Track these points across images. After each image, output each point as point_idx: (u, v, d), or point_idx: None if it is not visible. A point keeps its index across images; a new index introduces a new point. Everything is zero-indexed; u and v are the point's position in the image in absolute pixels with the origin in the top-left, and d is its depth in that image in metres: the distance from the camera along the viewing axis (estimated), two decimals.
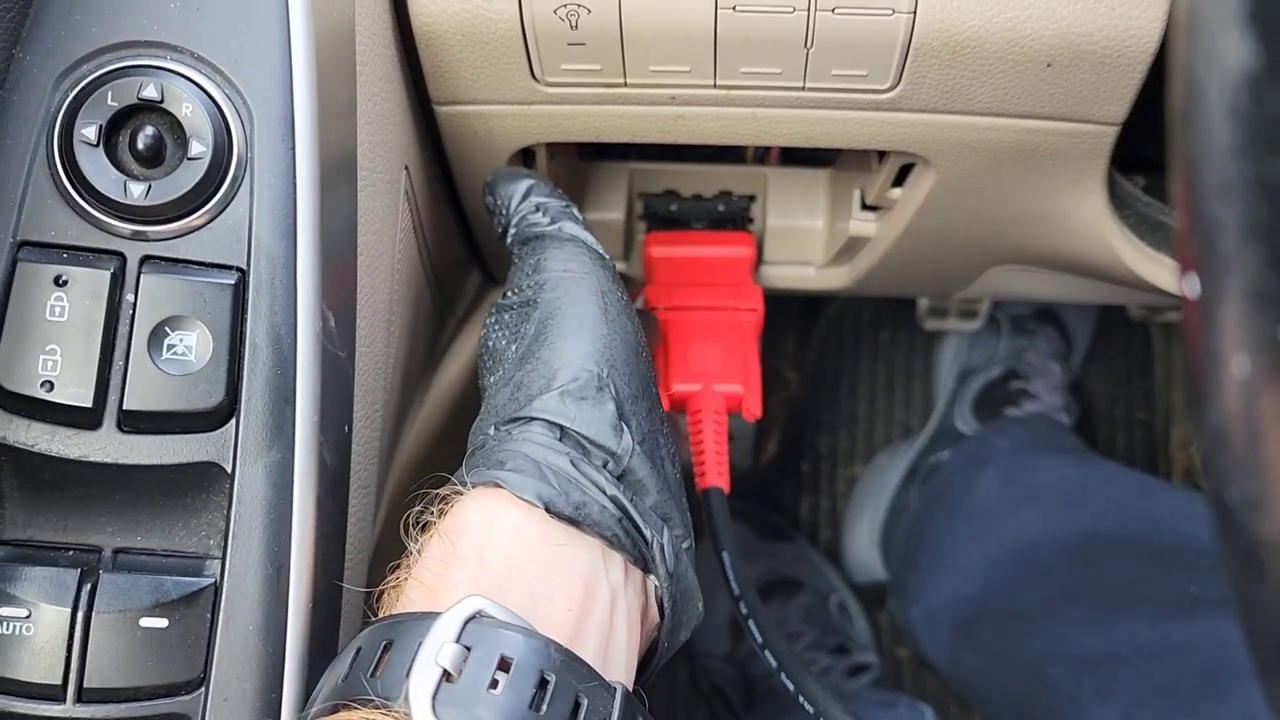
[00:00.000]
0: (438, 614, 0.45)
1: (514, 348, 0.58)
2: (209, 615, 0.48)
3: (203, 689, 0.47)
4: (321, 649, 0.51)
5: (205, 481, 0.49)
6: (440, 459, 0.91)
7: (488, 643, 0.44)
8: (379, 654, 0.45)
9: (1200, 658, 0.90)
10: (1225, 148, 0.20)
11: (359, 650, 0.46)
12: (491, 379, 0.58)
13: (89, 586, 0.47)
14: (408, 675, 0.44)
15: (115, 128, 0.48)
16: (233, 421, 0.49)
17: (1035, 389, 1.21)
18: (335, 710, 0.45)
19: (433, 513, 0.51)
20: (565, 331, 0.56)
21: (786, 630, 1.15)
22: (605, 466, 0.53)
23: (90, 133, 0.48)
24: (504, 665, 0.44)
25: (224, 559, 0.48)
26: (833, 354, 1.33)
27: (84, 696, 0.46)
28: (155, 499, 0.49)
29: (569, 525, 0.51)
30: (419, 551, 0.50)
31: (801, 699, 0.63)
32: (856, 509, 1.26)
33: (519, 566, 0.49)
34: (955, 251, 0.80)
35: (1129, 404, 1.31)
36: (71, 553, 0.49)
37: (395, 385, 0.67)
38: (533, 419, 0.53)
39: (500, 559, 0.49)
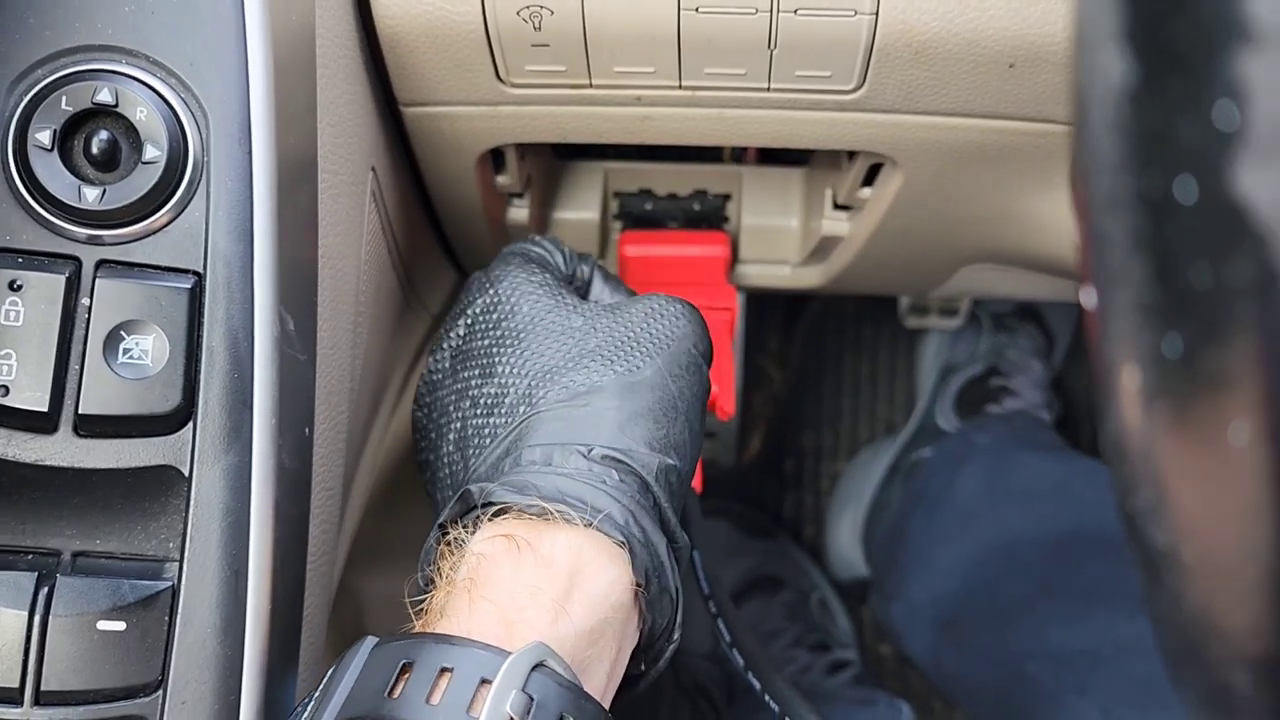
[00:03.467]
0: (506, 653, 0.45)
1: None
2: (167, 618, 0.48)
3: (161, 691, 0.48)
4: (281, 652, 0.51)
5: (163, 485, 0.49)
6: None
7: (550, 701, 0.45)
8: (435, 676, 0.45)
9: None
10: (1109, 161, 0.20)
11: (406, 665, 0.45)
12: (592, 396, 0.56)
13: (46, 590, 0.47)
14: (469, 710, 0.44)
15: (70, 132, 0.48)
16: (190, 425, 0.49)
17: (1016, 386, 1.21)
18: None
19: (513, 518, 0.50)
20: (676, 410, 0.56)
21: (767, 628, 1.15)
22: (673, 545, 0.54)
23: (44, 137, 0.48)
24: None
25: (182, 562, 0.48)
26: (816, 351, 1.33)
27: (41, 699, 0.46)
28: (113, 502, 0.49)
29: (641, 591, 0.52)
30: (480, 554, 0.49)
31: (767, 697, 0.63)
32: (839, 506, 1.26)
33: (596, 628, 0.49)
34: (926, 250, 0.80)
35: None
36: (30, 556, 0.49)
37: (365, 386, 0.67)
38: (632, 469, 0.53)
39: (584, 612, 0.49)
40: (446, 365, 0.61)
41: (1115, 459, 0.22)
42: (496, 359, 0.57)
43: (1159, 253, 0.19)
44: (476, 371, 0.59)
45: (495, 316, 0.59)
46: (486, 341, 0.59)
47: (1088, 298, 0.21)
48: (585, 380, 0.55)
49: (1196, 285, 0.18)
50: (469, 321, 0.60)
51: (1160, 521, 0.21)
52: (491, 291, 0.60)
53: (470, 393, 0.58)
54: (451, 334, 0.61)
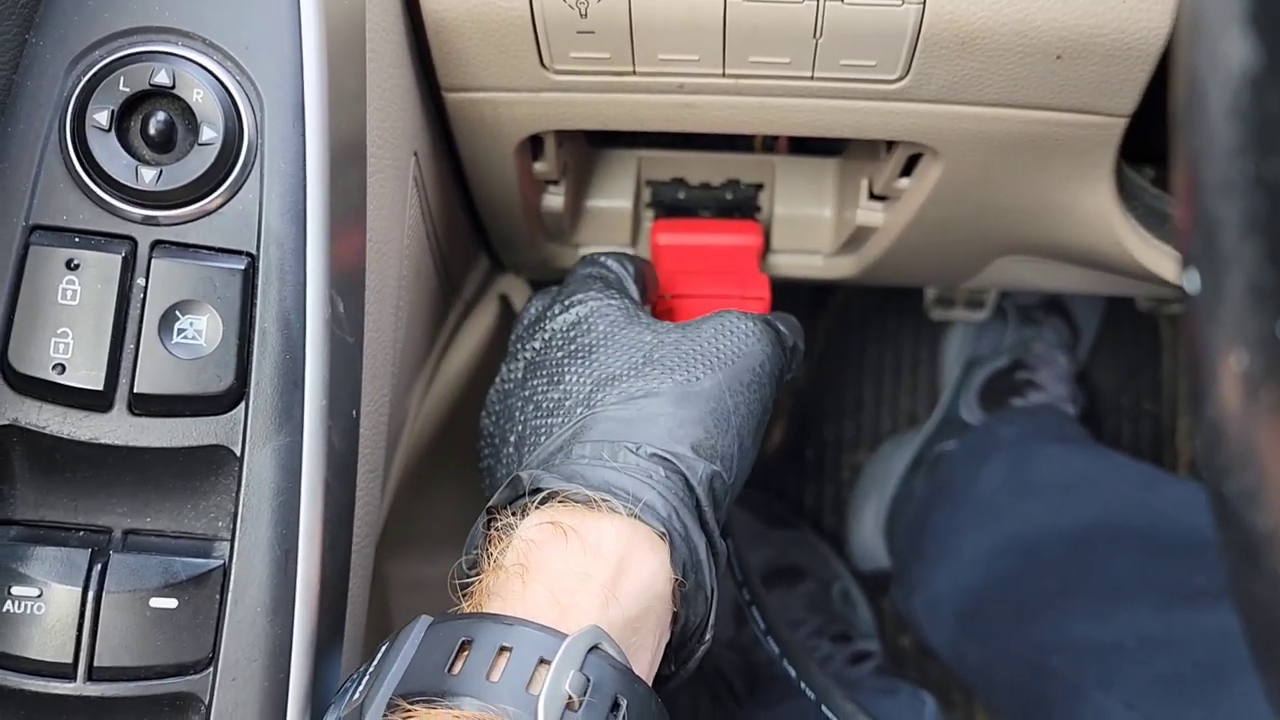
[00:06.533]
0: (562, 635, 0.46)
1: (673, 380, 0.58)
2: (218, 596, 0.48)
3: (211, 668, 0.48)
4: (329, 630, 0.52)
5: (215, 464, 0.49)
6: (447, 448, 0.92)
7: (606, 682, 0.45)
8: (494, 655, 0.46)
9: (1203, 648, 0.91)
10: (1226, 147, 0.20)
11: (465, 643, 0.46)
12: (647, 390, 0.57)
13: (99, 566, 0.47)
14: (529, 688, 0.44)
15: (127, 113, 0.48)
16: (242, 405, 0.49)
17: (1041, 379, 1.21)
18: (439, 706, 0.45)
19: (559, 505, 0.51)
20: (729, 424, 0.57)
21: (789, 618, 1.15)
22: (711, 549, 0.55)
23: (102, 118, 0.48)
24: (615, 707, 0.45)
25: (233, 541, 0.49)
26: (839, 342, 1.33)
27: (94, 675, 0.47)
28: (165, 481, 0.49)
29: (678, 584, 0.53)
30: (530, 540, 0.50)
31: (803, 685, 0.63)
32: (861, 497, 1.26)
33: (640, 615, 0.50)
34: (962, 241, 0.80)
35: (1135, 395, 1.31)
36: (82, 533, 0.49)
37: (403, 370, 0.67)
38: (678, 470, 0.54)
39: (630, 600, 0.50)
40: (519, 375, 0.63)
41: (1212, 443, 0.22)
42: (566, 369, 0.60)
43: (1276, 236, 0.19)
44: (545, 379, 0.61)
45: (572, 334, 0.62)
46: (561, 354, 0.61)
47: (1191, 283, 0.22)
48: (643, 387, 0.57)
49: None
50: (547, 337, 0.62)
51: (1261, 505, 0.21)
52: (573, 311, 0.62)
53: (535, 398, 0.60)
54: (528, 346, 0.63)
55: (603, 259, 0.67)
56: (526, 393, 0.61)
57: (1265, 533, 0.21)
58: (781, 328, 0.64)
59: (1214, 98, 0.20)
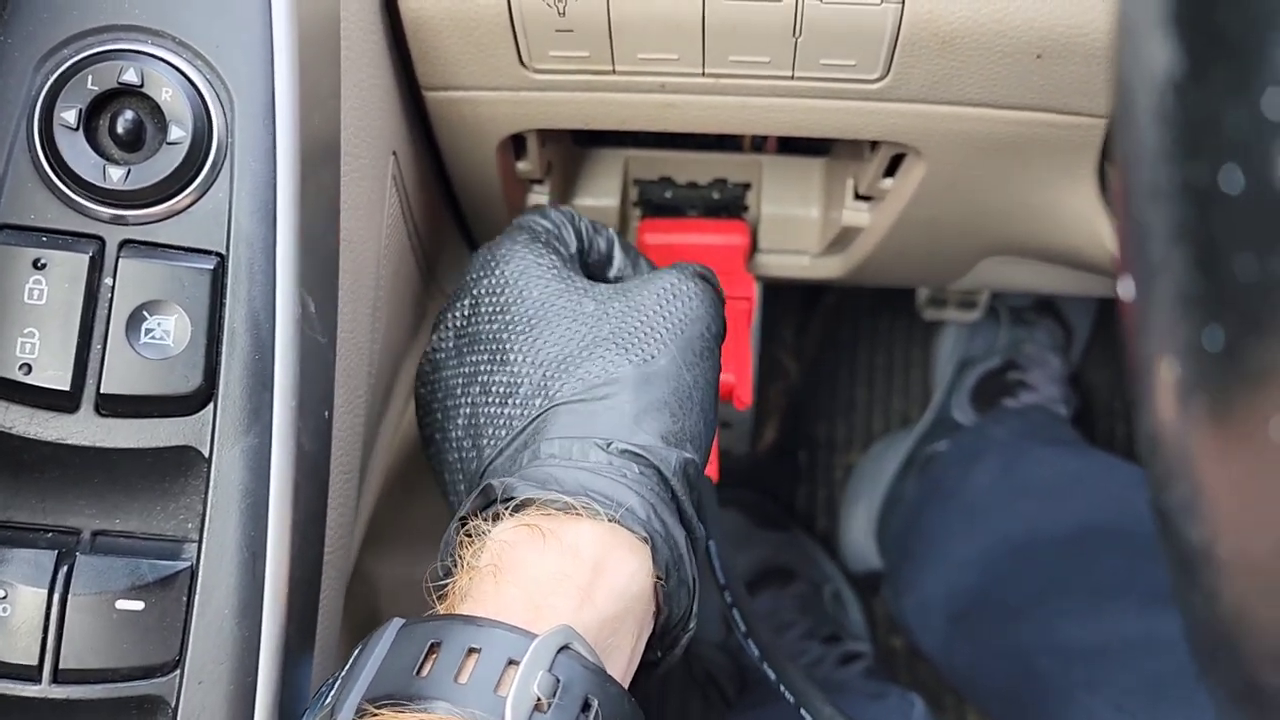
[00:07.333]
0: (532, 635, 0.45)
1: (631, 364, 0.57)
2: (185, 598, 0.48)
3: (178, 671, 0.48)
4: (298, 633, 0.51)
5: (183, 465, 0.49)
6: None
7: (576, 683, 0.45)
8: (463, 656, 0.45)
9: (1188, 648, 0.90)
10: (1153, 151, 0.19)
11: (434, 645, 0.46)
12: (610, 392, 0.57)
13: (66, 568, 0.47)
14: (496, 689, 0.44)
15: (95, 112, 0.48)
16: (210, 406, 0.49)
17: (1033, 380, 1.20)
18: (408, 710, 0.44)
19: (536, 510, 0.51)
20: (691, 401, 0.56)
21: (779, 619, 1.15)
22: (690, 537, 0.55)
23: (70, 116, 0.48)
24: (586, 707, 0.45)
25: (200, 543, 0.48)
26: (831, 343, 1.33)
27: (60, 677, 0.47)
28: (133, 482, 0.49)
29: (660, 583, 0.52)
30: (505, 542, 0.50)
31: (782, 688, 0.63)
32: (853, 498, 1.26)
33: (618, 616, 0.50)
34: (947, 242, 0.79)
35: (1128, 396, 1.30)
36: (49, 534, 0.49)
37: (382, 370, 0.67)
38: (651, 464, 0.53)
39: (607, 601, 0.49)
40: (450, 345, 0.61)
41: (1149, 454, 0.22)
42: (508, 346, 0.57)
43: (1202, 243, 0.19)
44: (485, 356, 0.59)
45: (503, 300, 0.59)
46: (495, 325, 0.58)
47: (1125, 289, 0.21)
48: (601, 371, 0.55)
49: (1241, 277, 0.18)
50: (473, 301, 0.60)
51: (1195, 517, 0.21)
52: (498, 272, 0.59)
53: (480, 379, 0.58)
54: (455, 313, 0.61)
55: (538, 213, 0.63)
56: (467, 369, 0.59)
57: (1200, 546, 0.21)
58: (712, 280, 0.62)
59: (1141, 101, 0.19)
